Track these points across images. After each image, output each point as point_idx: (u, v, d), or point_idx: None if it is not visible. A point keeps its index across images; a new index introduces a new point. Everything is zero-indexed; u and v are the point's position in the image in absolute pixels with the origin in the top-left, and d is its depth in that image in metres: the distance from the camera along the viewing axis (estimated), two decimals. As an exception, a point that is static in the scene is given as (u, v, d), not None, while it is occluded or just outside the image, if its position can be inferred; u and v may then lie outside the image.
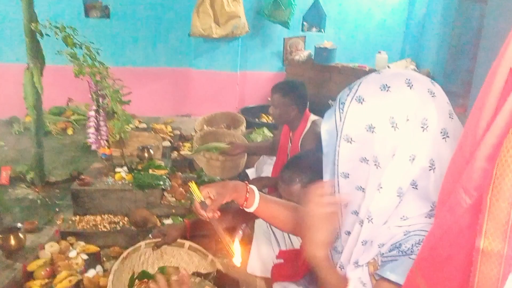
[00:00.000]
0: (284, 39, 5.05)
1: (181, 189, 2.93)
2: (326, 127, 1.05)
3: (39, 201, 2.93)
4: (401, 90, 0.93)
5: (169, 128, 4.03)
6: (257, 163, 3.35)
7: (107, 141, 2.78)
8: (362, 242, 1.05)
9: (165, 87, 4.84)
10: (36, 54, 2.79)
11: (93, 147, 2.75)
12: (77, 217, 2.62)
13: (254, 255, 2.25)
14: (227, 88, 4.88)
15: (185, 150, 3.79)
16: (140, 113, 4.31)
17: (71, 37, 2.35)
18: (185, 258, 1.95)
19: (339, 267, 1.14)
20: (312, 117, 2.73)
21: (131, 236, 2.55)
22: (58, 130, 4.13)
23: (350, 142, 0.97)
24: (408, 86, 0.93)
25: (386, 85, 0.93)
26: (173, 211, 2.76)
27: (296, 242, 2.18)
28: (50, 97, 3.51)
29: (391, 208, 0.98)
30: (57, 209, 2.80)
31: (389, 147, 0.93)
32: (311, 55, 4.97)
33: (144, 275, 1.77)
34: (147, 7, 4.54)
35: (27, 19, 2.61)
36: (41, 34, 2.58)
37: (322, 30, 5.16)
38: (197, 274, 1.80)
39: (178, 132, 4.05)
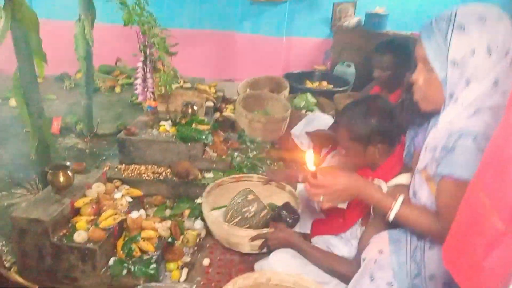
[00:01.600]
0: (333, 4, 4.88)
1: (222, 145, 2.94)
2: (430, 48, 1.22)
3: (87, 151, 3.05)
4: (495, 23, 1.15)
5: (213, 90, 4.04)
6: (306, 118, 3.25)
7: (153, 93, 2.82)
8: (425, 149, 1.32)
9: (210, 50, 4.84)
10: (88, 6, 2.85)
11: (140, 98, 2.79)
12: (123, 166, 2.70)
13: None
14: (272, 53, 4.81)
15: (228, 112, 3.79)
16: (185, 73, 4.34)
17: (121, -15, 2.36)
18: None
19: None
20: None
21: (173, 186, 2.60)
22: (106, 87, 4.25)
23: (455, 64, 1.18)
24: (500, 19, 1.16)
25: (483, 16, 1.15)
26: (214, 165, 2.78)
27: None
28: (99, 55, 3.60)
29: (454, 117, 1.22)
30: (104, 158, 2.90)
31: (481, 71, 1.16)
32: (361, 21, 4.78)
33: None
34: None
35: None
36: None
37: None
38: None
39: (221, 94, 4.05)
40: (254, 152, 3.12)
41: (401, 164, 1.68)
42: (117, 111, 3.78)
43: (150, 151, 2.73)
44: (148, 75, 2.73)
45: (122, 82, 4.36)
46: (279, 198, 2.36)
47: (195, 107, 3.07)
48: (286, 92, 4.03)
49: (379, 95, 2.27)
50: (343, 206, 1.81)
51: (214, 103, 3.76)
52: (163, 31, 2.53)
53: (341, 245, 1.90)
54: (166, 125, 2.86)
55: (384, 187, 1.55)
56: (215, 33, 4.77)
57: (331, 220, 2.07)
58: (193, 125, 2.90)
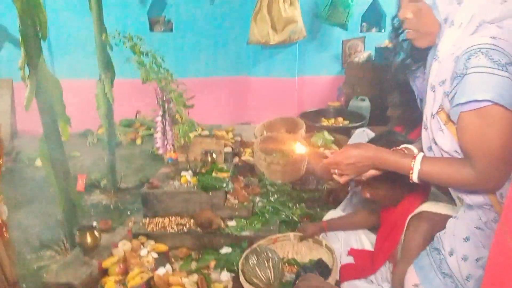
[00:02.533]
0: (342, 41, 4.98)
1: (243, 191, 2.95)
2: None
3: (112, 206, 3.10)
4: None
5: (230, 135, 4.10)
6: (355, 135, 3.11)
7: (173, 145, 2.88)
8: (431, 88, 1.23)
9: (225, 95, 4.95)
10: (107, 66, 2.98)
11: (160, 151, 2.86)
12: (147, 219, 2.73)
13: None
14: (286, 94, 4.88)
15: (246, 156, 3.82)
16: (202, 121, 4.42)
17: (138, 45, 2.47)
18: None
19: None
20: None
21: (197, 238, 2.61)
22: (128, 140, 4.36)
23: None
24: None
25: None
26: (236, 213, 2.79)
27: (367, 243, 2.12)
28: (120, 109, 3.72)
29: (456, 41, 1.15)
30: (128, 213, 2.94)
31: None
32: (371, 56, 4.85)
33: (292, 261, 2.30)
34: (207, 19, 4.69)
35: (97, 31, 2.80)
36: (111, 47, 2.75)
37: (383, 29, 5.02)
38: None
39: (239, 139, 4.10)
40: (276, 196, 3.12)
41: (426, 188, 1.67)
42: (139, 164, 3.85)
43: (173, 203, 2.76)
44: (167, 128, 2.80)
45: (143, 133, 4.47)
46: (318, 254, 2.31)
47: (214, 155, 3.11)
48: (302, 131, 4.06)
49: (394, 131, 2.27)
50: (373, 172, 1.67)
51: (232, 148, 3.81)
52: (179, 86, 2.62)
53: None
54: (187, 176, 2.90)
55: (414, 149, 1.47)
56: (229, 79, 4.89)
57: (359, 263, 2.04)
58: (213, 173, 2.93)
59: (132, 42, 2.46)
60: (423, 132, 1.33)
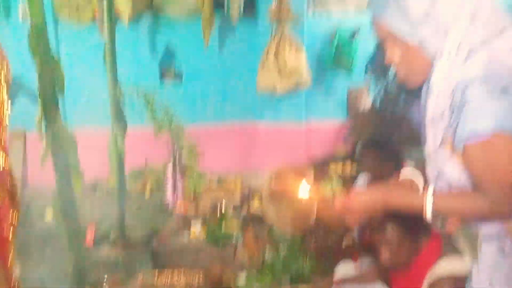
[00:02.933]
0: (348, 88, 5.06)
1: (252, 243, 2.92)
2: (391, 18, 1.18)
3: (121, 259, 3.05)
4: None
5: (239, 184, 4.09)
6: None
7: (182, 197, 2.88)
8: (431, 123, 1.20)
9: (234, 142, 4.97)
10: (120, 118, 3.03)
11: (170, 204, 2.86)
12: (156, 273, 2.68)
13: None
14: (294, 140, 4.91)
15: (255, 206, 3.80)
16: (211, 169, 4.44)
17: (151, 100, 2.53)
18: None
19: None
20: None
21: (208, 292, 2.55)
22: (137, 191, 4.35)
23: (423, 23, 1.13)
24: None
25: None
26: (246, 265, 2.75)
27: None
28: (130, 161, 3.74)
29: (448, 71, 1.12)
30: (137, 266, 2.89)
31: (451, 14, 1.11)
32: (375, 104, 4.92)
33: None
34: (215, 68, 4.80)
35: (111, 85, 2.87)
36: (124, 100, 2.81)
37: (388, 79, 5.12)
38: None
39: (247, 188, 4.10)
40: (286, 247, 3.08)
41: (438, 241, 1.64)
42: (148, 216, 3.82)
43: (182, 257, 2.75)
44: (178, 180, 2.82)
45: (152, 184, 4.47)
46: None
47: (222, 206, 3.11)
48: (311, 178, 4.05)
49: None
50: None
51: (241, 198, 3.80)
52: (190, 138, 2.66)
53: None
54: (196, 228, 2.88)
55: (420, 180, 1.42)
56: (237, 125, 4.93)
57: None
58: (222, 226, 2.91)
59: (145, 96, 2.51)
60: (427, 166, 1.31)
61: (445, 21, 1.10)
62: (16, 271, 1.59)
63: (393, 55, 1.22)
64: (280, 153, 4.87)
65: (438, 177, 1.26)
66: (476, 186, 1.14)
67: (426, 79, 1.19)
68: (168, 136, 2.64)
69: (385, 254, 1.72)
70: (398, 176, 1.49)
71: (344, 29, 4.68)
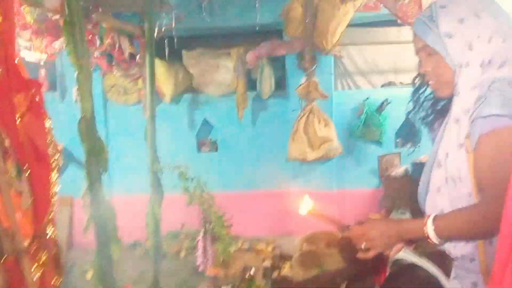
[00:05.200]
0: (378, 156, 5.18)
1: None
2: (424, 33, 1.33)
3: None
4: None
5: (270, 248, 4.21)
6: None
7: (213, 262, 3.06)
8: (455, 122, 1.30)
9: (266, 208, 5.15)
10: (157, 188, 3.34)
11: (201, 268, 3.04)
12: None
13: None
14: (325, 207, 4.97)
15: (285, 270, 3.88)
16: (243, 233, 4.60)
17: (184, 173, 2.81)
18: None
19: None
20: None
21: None
22: (172, 252, 4.58)
23: (450, 37, 1.28)
24: None
25: None
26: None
27: None
28: (167, 223, 4.01)
29: (479, 74, 1.26)
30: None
31: (478, 33, 1.26)
32: (408, 170, 4.99)
33: None
34: (248, 138, 5.14)
35: (151, 161, 3.21)
36: (161, 173, 3.13)
37: (418, 145, 5.21)
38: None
39: (278, 252, 4.20)
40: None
41: None
42: (182, 277, 4.01)
43: (211, 321, 2.85)
44: (208, 246, 3.01)
45: (187, 245, 4.68)
46: None
47: (252, 271, 3.24)
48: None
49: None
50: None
51: (272, 262, 3.90)
52: (220, 209, 2.89)
53: None
54: (225, 292, 3.02)
55: None
56: (269, 192, 5.14)
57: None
58: (251, 290, 3.03)
59: (179, 170, 2.80)
60: (435, 170, 1.34)
61: (472, 39, 1.26)
62: None
63: (426, 65, 1.35)
64: (312, 219, 4.97)
65: (440, 185, 1.31)
66: (479, 185, 1.19)
67: (453, 90, 1.33)
68: (199, 205, 2.87)
69: None
70: None
71: (371, 103, 4.93)
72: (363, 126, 4.89)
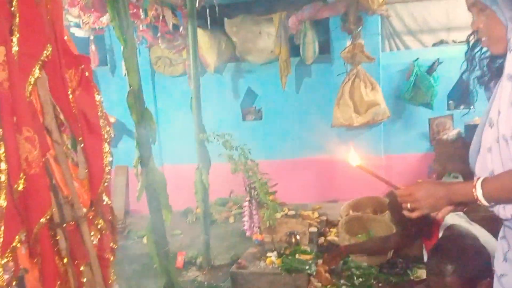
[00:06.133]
0: (429, 119, 5.00)
1: (326, 274, 3.04)
2: None
3: (205, 283, 3.39)
4: None
5: (316, 214, 4.24)
6: None
7: (259, 227, 3.14)
8: (508, 79, 1.24)
9: (312, 175, 5.17)
10: (204, 157, 3.43)
11: (247, 233, 3.13)
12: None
13: None
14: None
15: (332, 236, 3.91)
16: (289, 200, 4.67)
17: (229, 142, 2.87)
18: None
19: None
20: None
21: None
22: (222, 219, 4.74)
23: None
24: None
25: None
26: (320, 295, 2.88)
27: None
28: (216, 190, 4.14)
29: None
30: (219, 289, 3.20)
31: None
32: (461, 133, 4.78)
33: None
34: (293, 106, 5.11)
35: (197, 130, 3.29)
36: (207, 141, 3.21)
37: (472, 106, 4.95)
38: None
39: (324, 218, 4.22)
40: (360, 279, 3.14)
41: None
42: (231, 241, 4.16)
43: (259, 283, 2.96)
44: (254, 212, 3.09)
45: (236, 212, 4.83)
46: None
47: (298, 237, 3.29)
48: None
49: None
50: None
51: (317, 228, 3.94)
52: (264, 175, 2.93)
53: None
54: (272, 257, 3.10)
55: None
56: (315, 159, 5.13)
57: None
58: (297, 255, 3.09)
59: (223, 138, 2.86)
60: (486, 131, 1.30)
61: None
62: None
63: (478, 22, 1.31)
64: (359, 184, 4.93)
65: (491, 145, 1.27)
66: None
67: (506, 46, 1.27)
68: (244, 173, 2.93)
69: None
70: None
71: (422, 63, 4.71)
72: (413, 89, 4.70)
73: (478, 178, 1.24)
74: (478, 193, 1.22)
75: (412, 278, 3.20)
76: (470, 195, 1.24)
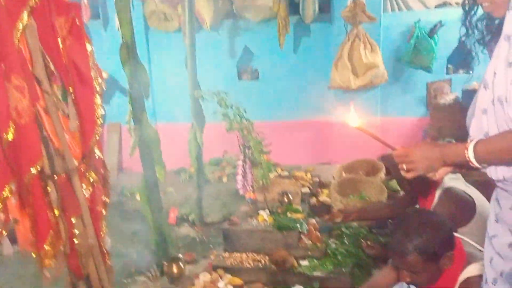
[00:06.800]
0: (427, 83, 4.95)
1: (317, 232, 3.09)
2: None
3: (197, 239, 3.45)
4: None
5: (309, 176, 4.27)
6: None
7: (252, 186, 3.16)
8: (506, 39, 1.20)
9: (307, 137, 5.16)
10: (198, 115, 3.40)
11: (240, 192, 3.15)
12: (227, 253, 3.00)
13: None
14: (367, 136, 4.94)
15: (323, 197, 3.95)
16: (283, 162, 4.68)
17: (224, 100, 2.83)
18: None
19: None
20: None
21: (272, 274, 2.80)
22: (215, 178, 4.77)
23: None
24: None
25: None
26: (309, 253, 2.93)
27: None
28: (209, 150, 4.13)
29: None
30: (211, 246, 3.25)
31: None
32: (458, 98, 4.75)
33: None
34: (289, 66, 5.03)
35: (191, 87, 3.24)
36: (202, 99, 3.16)
37: (470, 71, 4.90)
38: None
39: (317, 179, 4.25)
40: (350, 238, 3.19)
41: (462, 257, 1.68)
42: (223, 200, 4.20)
43: (250, 240, 3.00)
44: (248, 171, 3.09)
45: (229, 172, 4.85)
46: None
47: (290, 196, 3.32)
48: (381, 174, 4.08)
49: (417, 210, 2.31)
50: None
51: (310, 189, 3.98)
52: (259, 134, 2.91)
53: None
54: (264, 215, 3.14)
55: None
56: (310, 122, 5.11)
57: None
58: (288, 214, 3.13)
59: (219, 96, 2.82)
60: (481, 92, 1.28)
61: None
62: (108, 243, 1.95)
63: None
64: (353, 147, 4.94)
65: (486, 106, 1.26)
66: None
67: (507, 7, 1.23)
68: (239, 131, 2.91)
69: (406, 278, 1.71)
70: None
71: (423, 25, 4.60)
72: (413, 51, 4.61)
73: (472, 140, 1.24)
74: (470, 155, 1.22)
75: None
76: (462, 156, 1.24)
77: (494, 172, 1.27)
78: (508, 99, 1.18)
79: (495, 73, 1.23)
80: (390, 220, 3.52)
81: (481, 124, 1.28)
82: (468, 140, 1.26)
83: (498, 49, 1.23)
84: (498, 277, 1.34)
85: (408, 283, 1.76)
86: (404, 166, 1.35)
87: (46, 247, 1.56)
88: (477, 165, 1.24)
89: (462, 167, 1.36)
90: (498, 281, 1.34)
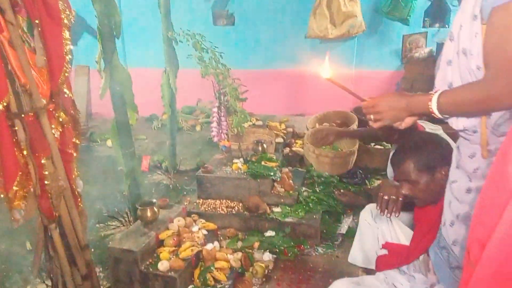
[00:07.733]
0: (403, 36, 4.93)
1: (290, 181, 3.13)
2: None
3: (171, 186, 3.43)
4: None
5: (283, 126, 4.27)
6: None
7: (226, 134, 3.12)
8: None
9: (282, 87, 5.12)
10: (172, 59, 3.27)
11: (215, 139, 3.11)
12: (200, 200, 3.01)
13: (357, 247, 2.35)
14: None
15: (297, 147, 3.98)
16: (257, 111, 4.65)
17: (199, 43, 2.72)
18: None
19: None
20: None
21: (245, 220, 2.84)
22: (188, 126, 4.70)
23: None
24: None
25: None
26: (282, 200, 2.98)
27: (401, 236, 2.22)
28: (182, 98, 4.03)
29: None
30: (184, 193, 3.25)
31: None
32: (432, 52, 4.77)
33: None
34: (267, 13, 4.87)
35: (164, 28, 3.08)
36: (176, 42, 3.03)
37: (446, 25, 4.90)
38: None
39: (291, 130, 4.26)
40: (322, 187, 3.26)
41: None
42: (197, 148, 4.17)
43: (224, 187, 3.02)
44: (223, 118, 3.04)
45: (202, 121, 4.79)
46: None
47: (264, 145, 3.31)
48: (355, 126, 4.13)
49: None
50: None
51: (284, 139, 3.99)
52: (235, 80, 2.84)
53: (404, 280, 1.98)
54: (238, 163, 3.13)
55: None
56: (286, 71, 5.05)
57: (393, 256, 2.15)
58: (263, 162, 3.13)
59: (194, 39, 2.70)
60: (447, 44, 1.30)
61: None
62: (80, 186, 1.89)
63: None
64: (327, 99, 4.95)
65: (452, 58, 1.27)
66: (486, 61, 1.15)
67: None
68: (214, 77, 2.83)
69: (405, 190, 1.84)
70: None
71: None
72: (392, 2, 4.54)
73: (436, 91, 1.24)
74: (433, 106, 1.23)
75: (369, 187, 3.38)
76: (426, 107, 1.25)
77: (455, 122, 1.30)
78: (472, 52, 1.19)
79: (461, 25, 1.23)
80: (360, 171, 3.63)
81: (446, 75, 1.30)
82: (433, 91, 1.27)
83: (465, 2, 1.22)
84: (455, 220, 1.41)
85: (408, 198, 1.84)
86: (372, 117, 1.38)
87: (15, 187, 1.50)
88: (439, 115, 1.25)
89: (429, 117, 1.36)
90: (455, 223, 1.42)
